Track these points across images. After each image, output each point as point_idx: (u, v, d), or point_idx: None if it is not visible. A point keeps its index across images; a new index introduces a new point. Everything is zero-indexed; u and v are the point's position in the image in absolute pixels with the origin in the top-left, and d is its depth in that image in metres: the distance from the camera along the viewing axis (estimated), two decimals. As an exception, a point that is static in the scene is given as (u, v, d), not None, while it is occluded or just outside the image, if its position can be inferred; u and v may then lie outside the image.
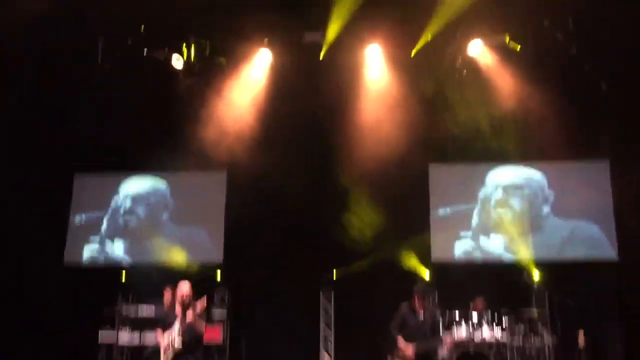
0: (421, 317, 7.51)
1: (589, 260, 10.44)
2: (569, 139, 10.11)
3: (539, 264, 10.36)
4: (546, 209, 10.77)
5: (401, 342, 7.24)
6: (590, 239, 10.51)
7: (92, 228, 11.65)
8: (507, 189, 10.96)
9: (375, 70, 10.54)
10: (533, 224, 10.74)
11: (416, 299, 7.53)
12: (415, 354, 7.22)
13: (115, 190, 11.81)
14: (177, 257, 11.06)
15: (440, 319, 8.74)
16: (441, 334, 8.07)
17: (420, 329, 7.46)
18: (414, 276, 10.27)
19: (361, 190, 10.70)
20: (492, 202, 10.92)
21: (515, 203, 10.87)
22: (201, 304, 7.09)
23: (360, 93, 10.61)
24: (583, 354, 9.03)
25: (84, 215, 11.70)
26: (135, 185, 11.84)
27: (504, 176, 11.04)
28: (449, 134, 10.53)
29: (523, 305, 9.81)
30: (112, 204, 11.76)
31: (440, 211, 11.00)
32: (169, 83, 10.55)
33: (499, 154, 10.85)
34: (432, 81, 10.30)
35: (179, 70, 10.36)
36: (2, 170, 10.36)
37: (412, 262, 10.64)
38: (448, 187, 11.13)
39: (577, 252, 10.51)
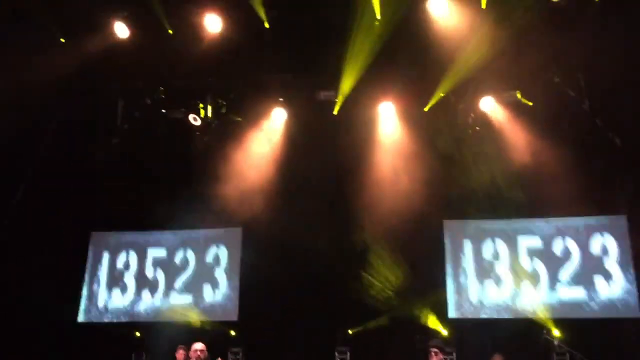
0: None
1: (611, 318, 10.19)
2: (585, 194, 10.03)
3: (561, 323, 10.12)
4: (567, 269, 10.58)
5: None
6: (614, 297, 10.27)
7: (109, 286, 11.66)
8: (528, 250, 10.79)
9: (389, 127, 10.66)
10: (554, 282, 10.55)
11: (432, 355, 7.45)
12: None
13: (132, 249, 11.87)
14: (192, 316, 11.00)
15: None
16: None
17: None
18: (431, 334, 10.06)
19: (378, 247, 10.66)
20: (512, 262, 10.76)
21: (536, 262, 10.70)
22: None
23: (375, 148, 10.69)
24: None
25: (99, 274, 11.75)
26: (153, 247, 11.90)
27: (524, 239, 10.89)
28: (463, 190, 10.51)
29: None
30: (129, 263, 11.79)
31: (455, 268, 10.87)
32: (187, 141, 10.76)
33: (514, 210, 10.80)
34: (446, 137, 10.36)
35: (196, 128, 10.57)
36: (21, 228, 10.49)
37: (429, 319, 10.47)
38: (463, 243, 11.00)
39: (600, 312, 10.26)
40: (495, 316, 10.51)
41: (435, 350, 7.54)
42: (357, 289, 10.49)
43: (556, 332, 9.96)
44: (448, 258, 10.94)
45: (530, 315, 10.32)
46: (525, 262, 10.70)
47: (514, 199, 10.61)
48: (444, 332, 10.41)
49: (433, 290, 10.60)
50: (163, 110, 10.42)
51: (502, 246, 10.88)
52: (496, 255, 10.85)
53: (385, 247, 10.65)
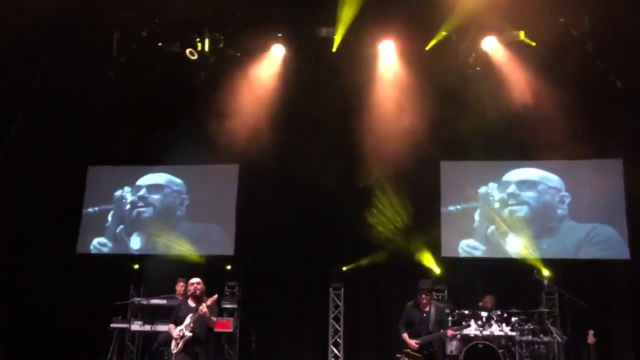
0: (427, 313, 7.62)
1: (602, 260, 10.39)
2: (583, 137, 10.04)
3: (551, 264, 10.33)
4: (562, 211, 10.70)
5: (407, 339, 7.44)
6: (606, 240, 10.44)
7: (105, 220, 11.80)
8: (521, 186, 10.90)
9: (390, 64, 10.52)
10: (548, 224, 10.70)
11: (421, 296, 7.66)
12: (420, 346, 7.39)
13: (129, 183, 11.93)
14: (189, 250, 11.18)
15: (448, 314, 8.81)
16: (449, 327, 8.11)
17: (426, 325, 7.61)
18: (424, 273, 10.27)
19: (379, 185, 10.71)
20: (505, 200, 10.86)
21: (531, 201, 10.81)
22: (212, 298, 7.20)
23: (374, 87, 10.60)
24: (592, 352, 9.01)
25: (97, 208, 11.86)
26: (150, 179, 11.96)
27: (518, 174, 10.98)
28: (461, 131, 10.49)
29: (533, 305, 9.80)
30: (126, 196, 11.88)
31: (450, 208, 11.00)
32: (183, 76, 10.62)
33: (511, 152, 10.85)
34: (446, 77, 10.25)
35: (193, 62, 10.39)
36: (18, 161, 10.48)
37: (422, 258, 10.66)
38: (459, 184, 11.09)
39: (592, 253, 10.46)
40: (487, 256, 10.71)
41: (424, 290, 7.75)
42: (354, 226, 10.63)
43: (545, 272, 10.18)
44: (444, 198, 11.03)
45: (521, 256, 10.52)
46: (519, 204, 10.82)
47: (512, 141, 10.63)
48: (437, 271, 10.63)
49: (428, 230, 10.73)
50: (159, 44, 10.22)
51: (497, 188, 10.96)
52: (491, 197, 10.96)
53: (385, 186, 10.72)
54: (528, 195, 10.86)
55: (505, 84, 10.09)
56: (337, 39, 9.94)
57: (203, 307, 7.04)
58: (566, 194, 10.75)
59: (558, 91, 9.71)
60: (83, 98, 10.44)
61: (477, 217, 10.93)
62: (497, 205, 10.90)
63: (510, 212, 10.79)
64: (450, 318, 9.07)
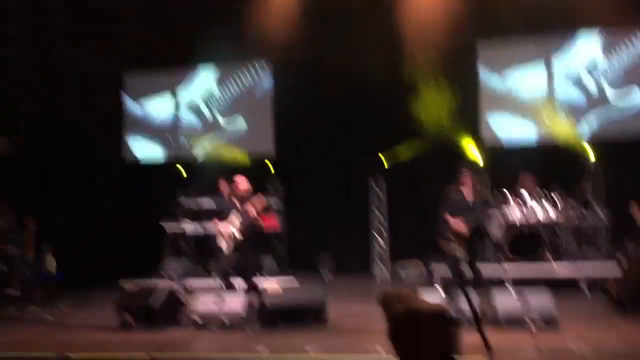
0: (470, 196, 7.50)
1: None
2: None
3: (595, 142, 10.13)
4: (609, 86, 10.30)
5: (451, 220, 7.22)
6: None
7: (149, 126, 11.98)
8: (576, 64, 10.48)
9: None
10: (594, 101, 10.36)
11: (463, 177, 7.47)
12: (467, 229, 7.25)
13: (165, 89, 11.96)
14: (231, 151, 11.34)
15: (490, 198, 8.76)
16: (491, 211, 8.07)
17: (470, 208, 7.45)
18: (464, 158, 10.20)
19: (419, 72, 10.42)
20: (550, 82, 10.51)
21: (572, 80, 10.44)
22: (261, 200, 7.34)
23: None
24: (638, 227, 8.95)
25: (138, 116, 12.01)
26: (188, 83, 11.94)
27: (560, 55, 10.52)
28: (502, 7, 9.98)
29: (575, 183, 9.70)
30: (168, 101, 11.98)
31: (493, 90, 10.70)
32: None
33: (552, 26, 10.33)
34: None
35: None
36: (57, 69, 10.54)
37: (463, 143, 10.56)
38: (500, 64, 10.72)
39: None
40: (532, 141, 10.53)
41: (465, 170, 7.56)
42: (396, 117, 10.52)
43: (591, 155, 9.99)
44: (483, 85, 10.74)
45: (566, 141, 10.31)
46: (564, 85, 10.46)
47: (550, 12, 10.07)
48: (479, 160, 10.54)
49: (468, 117, 10.55)
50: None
51: (539, 72, 10.57)
52: (533, 82, 10.60)
53: (429, 76, 10.44)
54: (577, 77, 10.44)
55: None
56: None
57: (251, 211, 7.20)
58: (612, 64, 10.27)
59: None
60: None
61: (520, 99, 10.64)
62: (540, 91, 10.55)
63: (553, 98, 10.47)
64: (491, 200, 8.99)
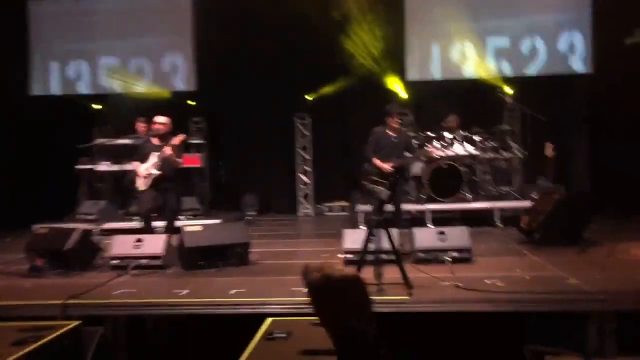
0: (396, 138, 7.61)
1: (563, 74, 10.43)
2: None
3: (512, 80, 10.35)
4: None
5: (379, 162, 7.39)
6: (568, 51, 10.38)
7: (56, 57, 11.19)
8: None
9: None
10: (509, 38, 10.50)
11: (393, 118, 7.57)
12: (393, 168, 7.40)
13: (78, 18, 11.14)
14: (150, 87, 10.82)
15: (412, 137, 8.92)
16: (415, 151, 8.26)
17: (396, 148, 7.59)
18: (390, 98, 10.21)
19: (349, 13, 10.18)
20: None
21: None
22: (179, 137, 7.10)
23: None
24: (550, 165, 9.37)
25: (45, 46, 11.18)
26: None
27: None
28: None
29: (495, 123, 9.98)
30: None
31: (416, 27, 10.65)
32: None
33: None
34: None
35: None
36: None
37: (388, 83, 10.54)
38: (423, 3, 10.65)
39: (553, 67, 10.40)
40: (450, 77, 10.62)
41: (395, 113, 7.64)
42: (321, 53, 10.31)
43: (508, 90, 10.24)
44: (409, 22, 10.64)
45: (485, 75, 10.46)
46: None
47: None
48: (402, 95, 10.59)
49: (388, 52, 10.49)
50: None
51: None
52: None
53: (354, 13, 10.21)
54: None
55: None
56: None
57: (167, 149, 6.97)
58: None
59: None
60: None
61: (440, 36, 10.64)
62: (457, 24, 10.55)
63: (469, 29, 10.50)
64: (415, 141, 9.23)
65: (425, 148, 9.13)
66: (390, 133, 7.57)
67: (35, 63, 11.21)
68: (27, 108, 10.62)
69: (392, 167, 7.38)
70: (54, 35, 11.14)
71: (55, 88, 11.24)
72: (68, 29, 11.12)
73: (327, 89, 10.60)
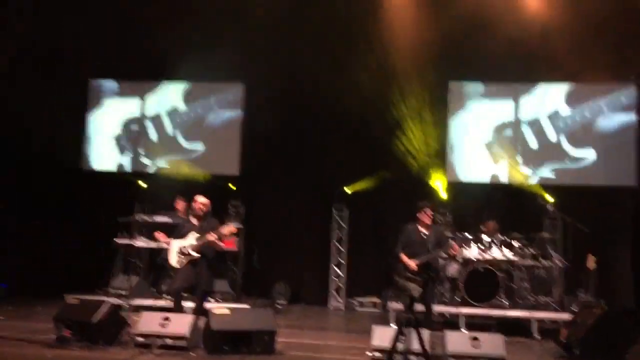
0: (425, 234, 7.55)
1: (608, 186, 10.31)
2: (594, 60, 9.71)
3: (555, 189, 10.27)
4: (566, 133, 10.53)
5: (405, 259, 7.33)
6: (612, 165, 10.34)
7: (110, 136, 11.72)
8: (527, 113, 10.70)
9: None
10: (553, 147, 10.55)
11: (424, 214, 7.56)
12: (418, 266, 7.31)
13: (132, 99, 11.75)
14: (194, 169, 11.15)
15: (447, 236, 8.79)
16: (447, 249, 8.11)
17: (425, 246, 7.52)
18: (429, 195, 10.23)
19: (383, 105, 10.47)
20: (512, 127, 10.69)
21: (535, 127, 10.64)
22: (229, 229, 7.15)
23: (380, 6, 10.19)
24: (591, 277, 9.09)
25: (101, 124, 11.74)
26: (156, 97, 11.78)
27: (527, 101, 10.74)
28: (472, 52, 10.18)
29: (535, 230, 9.82)
30: (132, 113, 11.75)
31: (459, 130, 10.81)
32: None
33: (523, 74, 10.55)
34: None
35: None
36: (22, 75, 10.26)
37: (429, 180, 10.60)
38: (467, 106, 10.86)
39: (598, 179, 10.35)
40: (491, 181, 10.65)
41: (427, 209, 7.63)
42: (361, 147, 10.52)
43: (549, 198, 10.14)
44: (451, 121, 10.86)
45: (525, 182, 10.46)
46: (526, 129, 10.66)
47: (522, 62, 10.30)
48: (443, 194, 10.60)
49: (433, 153, 10.62)
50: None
51: (505, 112, 10.74)
52: (498, 121, 10.76)
53: (395, 108, 10.50)
54: (534, 122, 10.65)
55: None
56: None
57: (212, 236, 7.00)
58: (573, 113, 10.54)
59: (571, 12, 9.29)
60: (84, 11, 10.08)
61: (484, 142, 10.77)
62: (507, 132, 10.72)
63: (515, 139, 10.64)
64: (452, 241, 9.12)
65: (462, 248, 8.98)
66: (421, 229, 7.56)
67: (89, 138, 11.74)
68: (76, 181, 11.02)
69: (417, 264, 7.31)
70: (110, 111, 11.70)
71: (104, 164, 11.67)
72: (124, 109, 11.73)
73: (366, 182, 10.70)
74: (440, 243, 7.71)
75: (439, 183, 10.63)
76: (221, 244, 7.24)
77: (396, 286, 7.40)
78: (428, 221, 7.59)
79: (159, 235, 7.47)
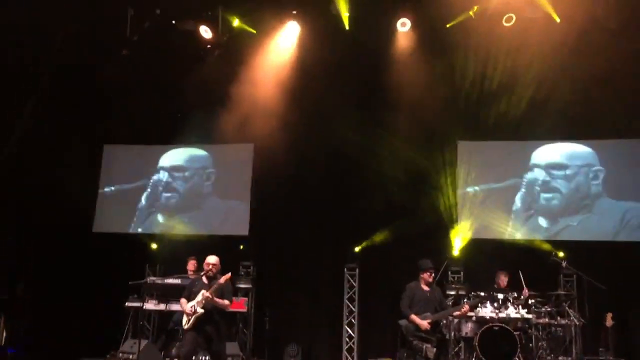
0: (430, 292, 7.50)
1: (624, 241, 10.17)
2: (620, 116, 9.77)
3: (569, 245, 10.16)
4: (596, 188, 10.45)
5: (416, 319, 7.26)
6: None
7: (122, 199, 11.83)
8: (549, 168, 10.67)
9: (407, 42, 10.32)
10: (580, 204, 10.48)
11: (428, 274, 7.53)
12: (430, 324, 7.23)
13: (146, 162, 11.95)
14: (208, 228, 11.19)
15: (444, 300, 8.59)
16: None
17: (431, 304, 7.45)
18: (441, 253, 10.15)
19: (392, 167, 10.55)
20: (536, 184, 10.69)
21: (561, 187, 10.59)
22: (226, 276, 7.12)
23: (390, 66, 10.40)
24: (610, 335, 8.88)
25: (113, 187, 11.89)
26: (170, 159, 11.95)
27: (546, 155, 10.73)
28: (481, 111, 10.32)
29: (551, 287, 9.66)
30: (141, 176, 11.90)
31: (468, 189, 10.83)
32: (198, 55, 10.54)
33: (542, 132, 10.59)
34: (466, 55, 10.05)
35: (207, 41, 10.36)
36: (34, 141, 10.49)
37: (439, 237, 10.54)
38: (477, 165, 10.91)
39: (631, 235, 10.20)
40: (504, 237, 10.57)
41: (430, 269, 7.60)
42: (369, 206, 10.53)
43: (561, 254, 10.01)
44: (461, 178, 10.88)
45: (539, 238, 10.37)
46: (551, 188, 10.63)
47: (530, 120, 10.41)
48: (455, 252, 10.51)
49: (443, 210, 10.61)
50: (173, 22, 10.13)
51: (516, 169, 10.76)
52: (509, 179, 10.77)
53: (402, 166, 10.57)
54: (558, 180, 10.60)
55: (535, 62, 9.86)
56: (345, 17, 9.75)
57: (207, 293, 6.95)
58: (600, 168, 10.48)
59: (591, 67, 9.41)
60: (96, 77, 10.38)
61: (494, 198, 10.75)
62: (515, 189, 10.72)
63: (537, 197, 10.62)
64: (465, 300, 9.00)
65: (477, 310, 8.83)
66: (424, 288, 7.51)
67: (100, 200, 11.86)
68: (88, 243, 11.07)
69: (429, 322, 7.22)
70: (123, 178, 11.89)
71: (115, 226, 11.72)
72: (137, 172, 11.90)
73: (377, 241, 10.66)
74: (441, 301, 7.63)
75: (454, 240, 10.57)
76: (226, 301, 7.13)
77: (410, 347, 7.25)
78: (430, 280, 7.56)
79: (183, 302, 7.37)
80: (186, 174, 11.83)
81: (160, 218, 11.68)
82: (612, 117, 9.86)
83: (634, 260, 10.14)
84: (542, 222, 10.57)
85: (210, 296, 6.93)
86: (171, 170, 11.88)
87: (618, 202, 10.33)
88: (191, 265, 9.39)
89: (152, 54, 10.45)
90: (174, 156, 11.94)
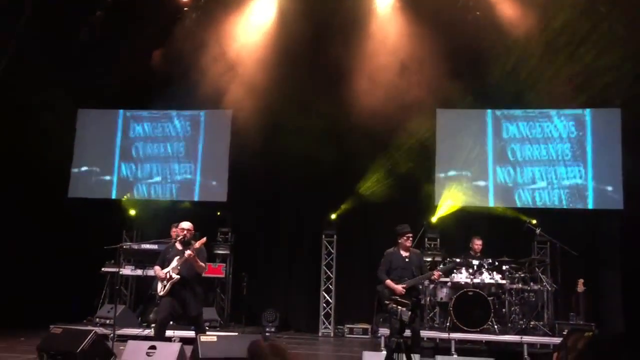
0: (408, 258, 7.54)
1: (594, 209, 10.38)
2: (579, 84, 9.87)
3: (544, 213, 10.32)
4: (556, 157, 10.65)
5: (392, 284, 7.30)
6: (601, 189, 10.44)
7: (97, 164, 11.67)
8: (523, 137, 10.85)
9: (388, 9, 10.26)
10: (546, 174, 10.65)
11: (406, 238, 7.54)
12: (405, 289, 7.29)
13: (119, 127, 11.75)
14: (182, 197, 11.13)
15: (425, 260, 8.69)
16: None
17: (409, 270, 7.48)
18: (418, 220, 10.22)
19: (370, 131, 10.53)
20: (500, 149, 10.81)
21: (525, 151, 10.76)
22: (201, 241, 7.09)
23: (372, 21, 10.31)
24: (581, 300, 9.08)
25: (88, 153, 11.72)
26: (146, 124, 11.79)
27: (520, 123, 10.91)
28: (457, 80, 10.32)
29: (524, 254, 9.83)
30: (117, 141, 11.73)
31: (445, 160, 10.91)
32: (175, 18, 10.34)
33: (510, 100, 10.69)
34: (445, 26, 10.01)
35: (184, 3, 10.16)
36: (7, 105, 10.25)
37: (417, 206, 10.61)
38: (455, 132, 10.95)
39: (585, 202, 10.43)
40: (478, 205, 10.70)
41: (408, 234, 7.63)
42: (347, 174, 10.54)
43: (534, 221, 10.17)
44: (438, 147, 10.93)
45: (515, 207, 10.53)
46: (509, 153, 10.77)
47: (506, 88, 10.45)
48: (431, 218, 10.61)
49: (421, 177, 10.68)
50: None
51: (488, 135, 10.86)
52: (482, 146, 10.87)
53: (381, 134, 10.56)
54: (523, 145, 10.79)
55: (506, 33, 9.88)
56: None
57: (189, 251, 6.96)
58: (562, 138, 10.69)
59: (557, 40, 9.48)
60: (71, 39, 10.13)
61: (467, 166, 10.85)
62: (494, 154, 10.83)
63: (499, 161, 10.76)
64: (441, 265, 9.13)
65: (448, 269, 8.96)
66: (403, 253, 7.54)
67: (75, 166, 11.70)
68: (63, 209, 10.93)
69: (403, 287, 7.28)
70: (97, 141, 11.71)
71: (92, 191, 11.60)
72: (110, 137, 11.73)
73: (355, 208, 10.71)
74: (420, 267, 7.67)
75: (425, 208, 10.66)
76: (202, 264, 7.12)
77: (387, 310, 7.31)
78: (408, 244, 7.58)
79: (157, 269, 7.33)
80: (163, 139, 11.69)
81: (136, 184, 11.56)
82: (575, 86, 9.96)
83: (604, 226, 10.38)
84: (518, 190, 10.69)
85: (193, 253, 6.89)
86: (147, 135, 11.73)
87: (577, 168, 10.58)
88: (173, 232, 9.32)
89: (128, 16, 10.19)
90: (151, 121, 11.78)
